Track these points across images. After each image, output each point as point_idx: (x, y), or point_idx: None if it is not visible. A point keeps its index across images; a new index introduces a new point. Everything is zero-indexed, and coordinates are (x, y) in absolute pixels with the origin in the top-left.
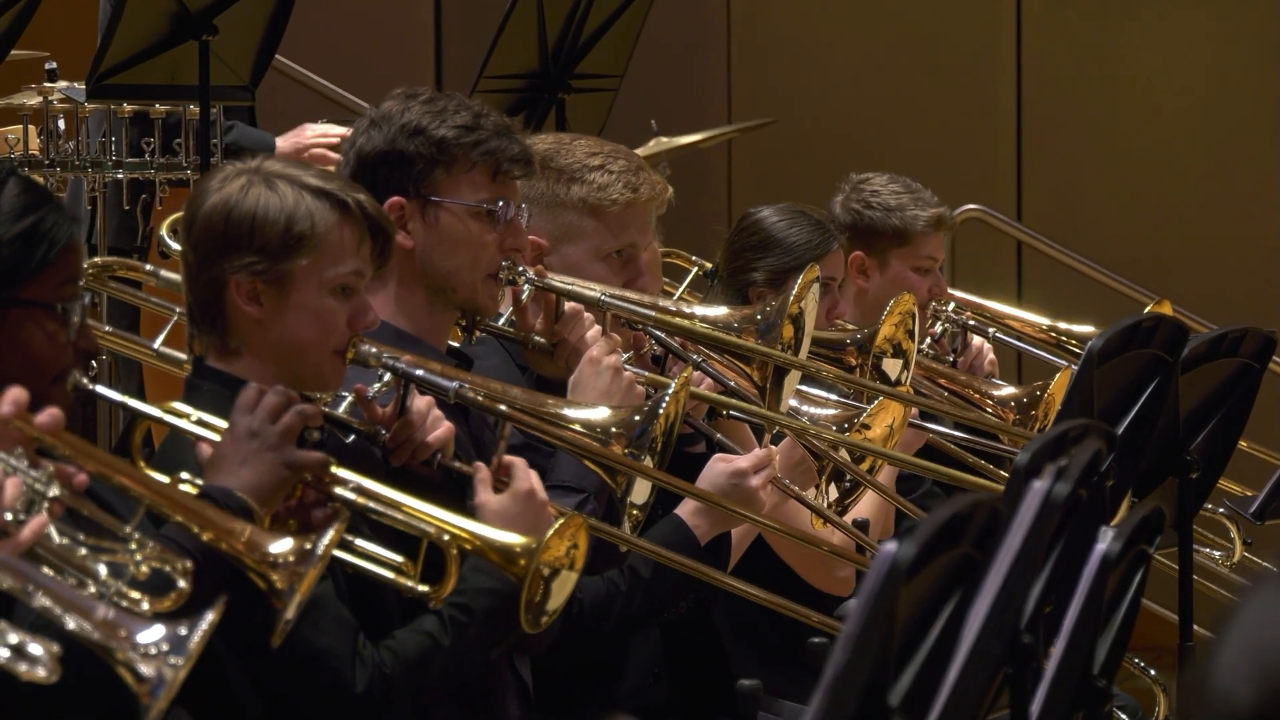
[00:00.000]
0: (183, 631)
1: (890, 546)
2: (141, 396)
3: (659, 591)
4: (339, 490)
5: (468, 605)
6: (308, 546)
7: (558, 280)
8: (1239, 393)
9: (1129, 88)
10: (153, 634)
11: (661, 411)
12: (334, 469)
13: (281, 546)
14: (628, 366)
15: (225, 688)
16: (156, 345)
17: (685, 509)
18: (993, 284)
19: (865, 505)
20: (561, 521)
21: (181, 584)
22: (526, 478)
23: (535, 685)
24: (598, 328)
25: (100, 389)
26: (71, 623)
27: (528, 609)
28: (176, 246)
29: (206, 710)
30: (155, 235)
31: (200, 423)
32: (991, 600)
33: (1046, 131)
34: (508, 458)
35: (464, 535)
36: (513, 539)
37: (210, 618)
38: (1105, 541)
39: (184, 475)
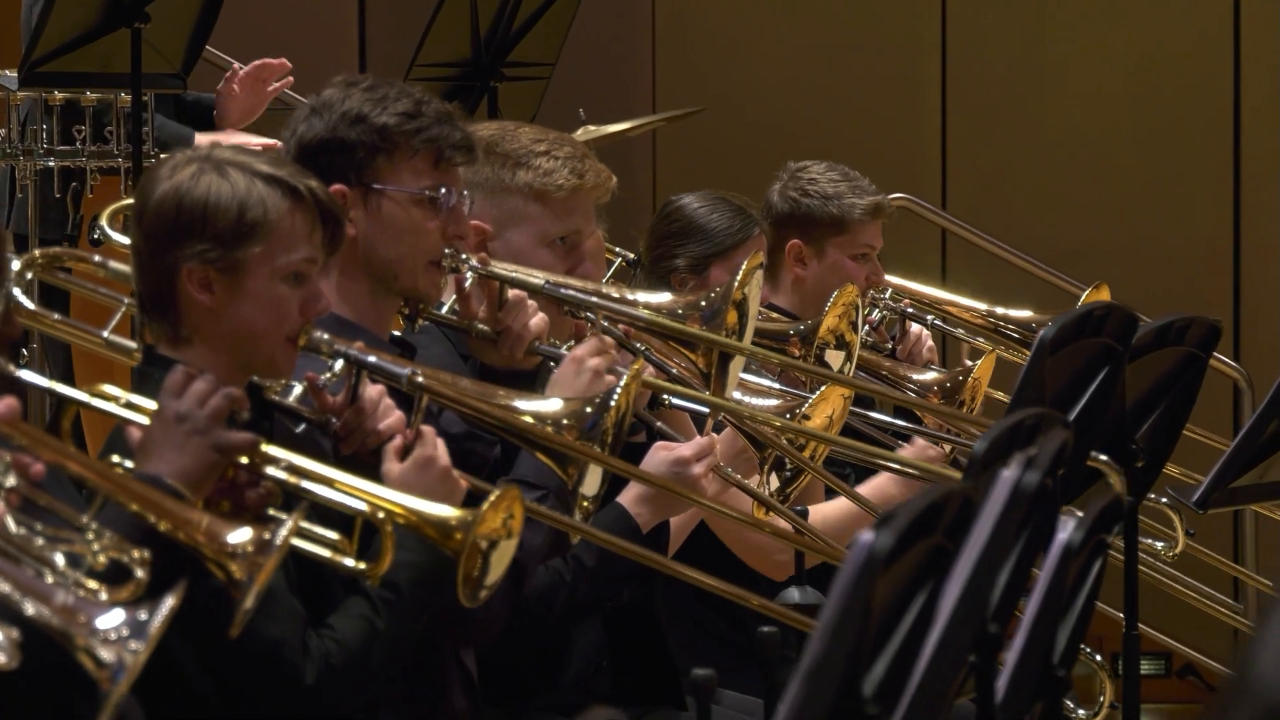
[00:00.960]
0: (143, 616)
1: (868, 536)
2: (70, 382)
3: (603, 580)
4: (270, 469)
5: (394, 582)
6: (266, 536)
7: (501, 268)
8: (1184, 382)
9: (1055, 76)
10: (112, 619)
11: (613, 403)
12: (264, 448)
13: (240, 536)
14: (619, 369)
15: (177, 678)
16: (105, 334)
17: (627, 497)
18: (917, 274)
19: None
20: (497, 494)
21: (139, 574)
22: (427, 446)
23: (479, 676)
24: (541, 315)
25: (26, 374)
26: (30, 608)
27: (465, 583)
28: (116, 236)
29: (158, 701)
30: (85, 224)
31: (129, 405)
32: (961, 590)
33: (972, 120)
34: (424, 427)
35: (398, 510)
36: (448, 513)
37: (170, 602)
38: (1066, 531)
39: (114, 459)
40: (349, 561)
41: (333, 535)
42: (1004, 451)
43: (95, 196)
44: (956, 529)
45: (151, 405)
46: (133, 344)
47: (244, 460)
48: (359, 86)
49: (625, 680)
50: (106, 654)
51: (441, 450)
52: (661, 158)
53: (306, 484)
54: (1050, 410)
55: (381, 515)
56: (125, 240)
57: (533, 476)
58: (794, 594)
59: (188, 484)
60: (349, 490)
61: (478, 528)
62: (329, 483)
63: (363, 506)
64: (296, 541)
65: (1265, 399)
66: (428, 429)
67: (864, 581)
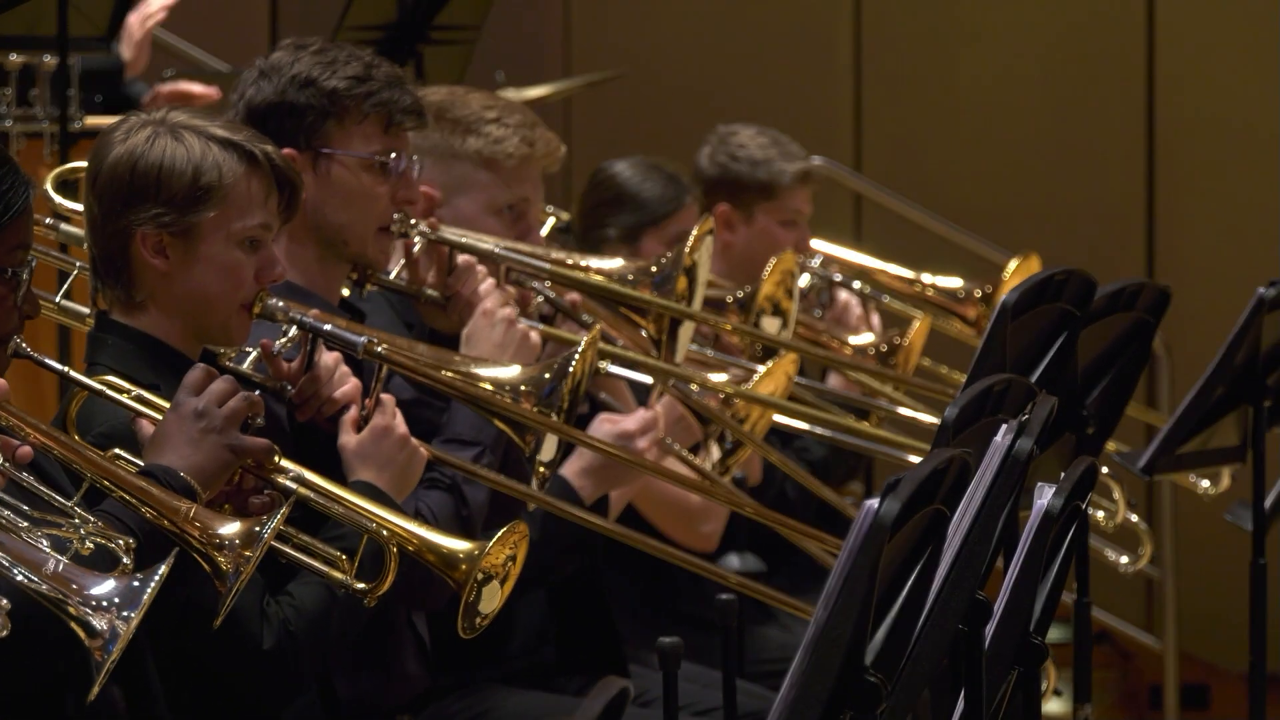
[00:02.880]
0: (135, 584)
1: (873, 503)
2: None
3: (548, 554)
4: (280, 479)
5: (353, 550)
6: (256, 529)
7: (451, 233)
8: (1133, 348)
9: (969, 40)
10: (104, 587)
11: (570, 370)
12: (277, 458)
13: (229, 529)
14: (522, 319)
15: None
16: (59, 299)
17: (570, 470)
18: (831, 238)
19: None
20: (505, 530)
21: (125, 560)
22: (384, 415)
23: (431, 644)
24: (491, 280)
25: (43, 358)
26: (21, 577)
27: (465, 613)
28: (60, 200)
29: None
30: None
31: (140, 399)
32: (953, 557)
33: (886, 85)
34: (383, 395)
35: (404, 535)
36: (457, 545)
37: (162, 570)
38: (1046, 498)
39: (118, 451)
40: (347, 579)
41: (334, 551)
42: (974, 417)
43: (19, 160)
44: (953, 495)
45: (158, 400)
46: (84, 309)
47: (254, 466)
48: (308, 49)
49: (570, 651)
50: (99, 622)
51: (399, 419)
52: (576, 121)
53: (314, 496)
54: (1018, 376)
55: (386, 534)
56: (70, 204)
57: (467, 434)
58: (734, 560)
59: (200, 481)
60: (356, 509)
61: (483, 561)
62: (336, 499)
63: (369, 526)
64: (296, 555)
65: (1211, 365)
66: (387, 397)
67: (869, 548)
